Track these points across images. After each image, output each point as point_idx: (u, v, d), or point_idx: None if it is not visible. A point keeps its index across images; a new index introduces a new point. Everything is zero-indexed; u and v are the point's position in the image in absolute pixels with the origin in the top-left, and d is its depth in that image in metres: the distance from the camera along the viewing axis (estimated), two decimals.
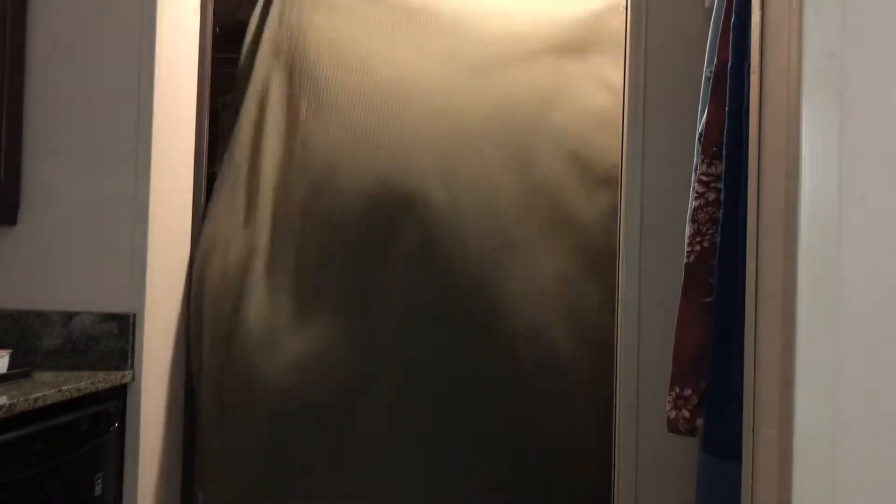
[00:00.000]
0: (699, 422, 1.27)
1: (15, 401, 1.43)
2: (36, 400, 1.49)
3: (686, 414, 1.28)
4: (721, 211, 1.16)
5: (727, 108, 1.15)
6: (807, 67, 0.79)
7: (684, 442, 1.62)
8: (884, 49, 0.80)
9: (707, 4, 1.75)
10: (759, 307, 0.93)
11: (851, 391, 0.81)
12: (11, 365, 1.71)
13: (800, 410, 0.80)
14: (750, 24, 1.15)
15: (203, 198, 2.23)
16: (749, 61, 1.13)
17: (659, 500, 1.69)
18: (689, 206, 1.41)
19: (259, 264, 2.13)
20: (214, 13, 2.30)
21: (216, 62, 2.34)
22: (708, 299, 1.24)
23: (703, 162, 1.27)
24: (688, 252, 1.30)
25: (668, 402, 1.30)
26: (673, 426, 1.30)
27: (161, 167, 1.94)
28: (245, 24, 2.45)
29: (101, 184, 1.90)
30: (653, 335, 1.75)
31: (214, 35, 2.33)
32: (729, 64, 1.16)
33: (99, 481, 1.71)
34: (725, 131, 1.15)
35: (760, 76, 0.92)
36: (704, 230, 1.26)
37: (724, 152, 1.15)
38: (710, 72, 1.31)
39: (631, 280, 1.82)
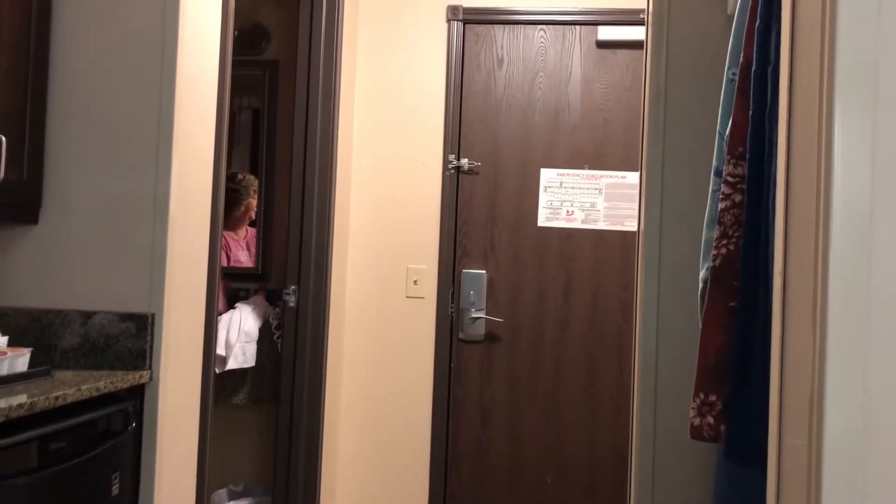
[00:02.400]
0: (723, 428, 1.26)
1: (35, 399, 1.44)
2: (56, 399, 1.50)
3: (710, 420, 1.27)
4: (744, 214, 1.15)
5: (750, 112, 1.15)
6: (840, 71, 0.78)
7: (702, 447, 1.61)
8: None
9: (729, 10, 1.75)
10: (787, 313, 0.92)
11: (883, 399, 0.80)
12: (31, 364, 1.72)
13: (830, 420, 0.79)
14: (773, 28, 1.15)
15: (221, 199, 2.24)
16: (773, 65, 1.13)
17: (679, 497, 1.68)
18: (709, 208, 1.40)
19: None
20: (235, 16, 2.31)
21: (234, 64, 2.36)
22: (733, 303, 1.23)
23: (728, 162, 1.26)
24: (714, 255, 1.29)
25: (693, 408, 1.29)
26: (697, 433, 1.29)
27: (181, 168, 1.95)
28: (263, 28, 2.44)
29: (122, 183, 1.91)
30: (671, 338, 1.74)
31: (234, 37, 2.34)
32: (753, 67, 1.16)
33: (116, 481, 1.71)
34: (749, 134, 1.14)
35: (790, 79, 0.92)
36: (731, 232, 1.25)
37: (748, 152, 1.15)
38: (734, 73, 1.30)
39: (650, 282, 1.82)
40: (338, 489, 3.51)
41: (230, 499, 3.38)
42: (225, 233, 3.50)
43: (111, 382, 1.70)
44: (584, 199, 3.40)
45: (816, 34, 0.82)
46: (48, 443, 1.50)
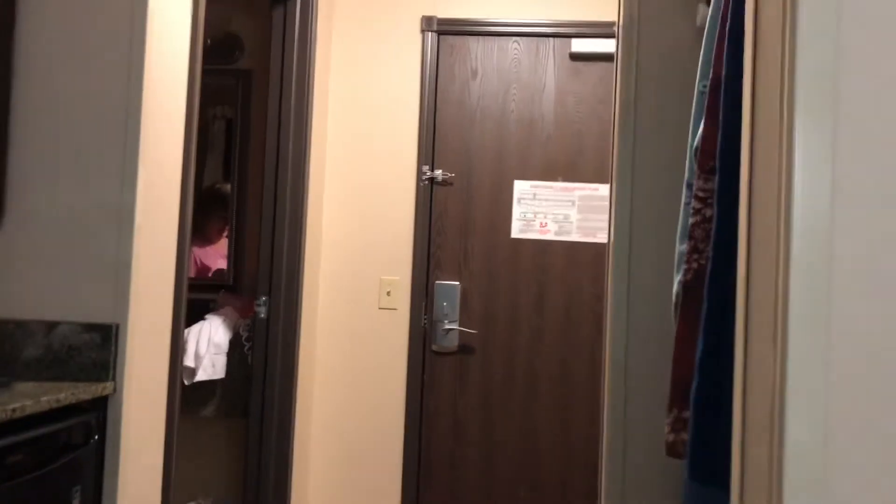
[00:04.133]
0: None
1: None
2: (14, 410, 1.46)
3: (685, 437, 1.26)
4: (714, 225, 1.15)
5: (721, 118, 1.14)
6: (800, 82, 0.78)
7: (672, 463, 1.61)
8: (878, 64, 0.80)
9: (699, 23, 1.76)
10: (749, 323, 0.92)
11: (842, 411, 0.80)
12: None
13: (790, 431, 0.79)
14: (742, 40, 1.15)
15: (190, 208, 2.21)
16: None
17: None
18: (680, 221, 1.40)
19: None
20: (206, 24, 2.29)
21: (206, 74, 2.33)
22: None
23: (699, 177, 1.26)
24: (685, 269, 1.29)
25: (667, 424, 1.28)
26: (672, 449, 1.28)
27: (148, 178, 1.93)
28: (237, 37, 2.42)
29: (87, 192, 1.88)
30: (641, 350, 1.74)
31: (206, 47, 2.32)
32: (723, 81, 1.16)
33: (77, 494, 1.68)
34: (719, 143, 1.14)
35: (753, 89, 0.92)
36: (702, 247, 1.25)
37: (717, 165, 1.15)
38: (704, 86, 1.30)
39: (619, 294, 1.82)
40: (309, 501, 3.47)
41: None
42: (201, 246, 3.47)
43: (72, 394, 1.67)
44: (558, 211, 3.41)
45: (777, 46, 0.82)
46: (5, 456, 1.46)
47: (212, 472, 3.49)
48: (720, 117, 1.14)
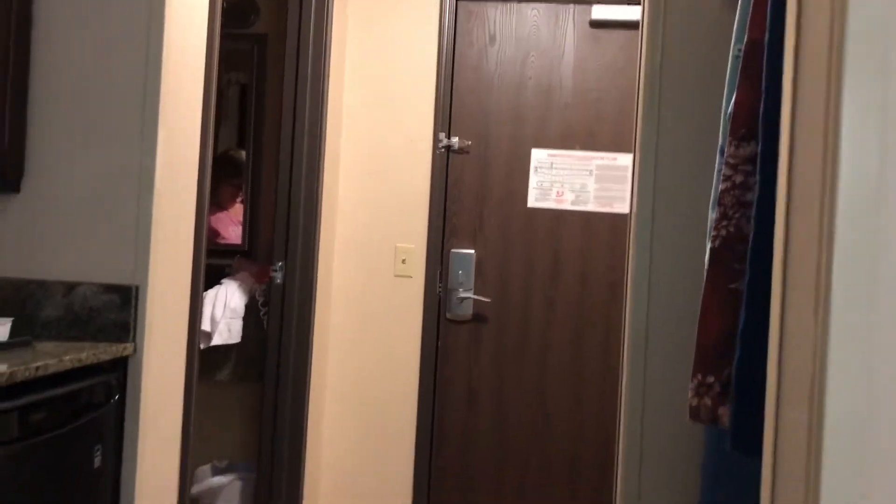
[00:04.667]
0: (721, 410, 1.25)
1: (15, 369, 1.41)
2: (37, 369, 1.47)
3: (708, 402, 1.26)
4: (757, 192, 1.12)
5: (764, 85, 1.12)
6: (850, 42, 0.76)
7: (691, 428, 1.60)
8: None
9: None
10: (788, 292, 0.90)
11: (887, 381, 0.78)
12: (12, 334, 1.68)
13: (831, 393, 0.78)
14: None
15: (208, 173, 2.20)
16: None
17: (663, 488, 1.67)
18: (714, 189, 1.38)
19: None
20: None
21: (221, 38, 2.31)
22: (733, 285, 1.22)
23: (730, 144, 1.24)
24: (713, 236, 1.27)
25: (691, 388, 1.27)
26: (695, 414, 1.27)
27: (167, 140, 1.92)
28: (252, 1, 2.39)
29: (107, 154, 1.88)
30: (662, 320, 1.73)
31: (223, 10, 2.29)
32: (766, 38, 1.13)
33: (98, 453, 1.69)
34: (762, 109, 1.11)
35: (796, 51, 0.90)
36: (731, 213, 1.23)
37: (760, 132, 1.12)
38: (739, 49, 1.27)
39: (641, 264, 1.80)
40: (322, 466, 3.50)
41: (214, 475, 3.36)
42: (214, 212, 3.46)
43: (93, 354, 1.67)
44: (575, 181, 3.39)
45: (825, 3, 0.80)
46: (29, 413, 1.47)
47: (227, 435, 3.52)
48: (762, 81, 1.12)
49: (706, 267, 1.32)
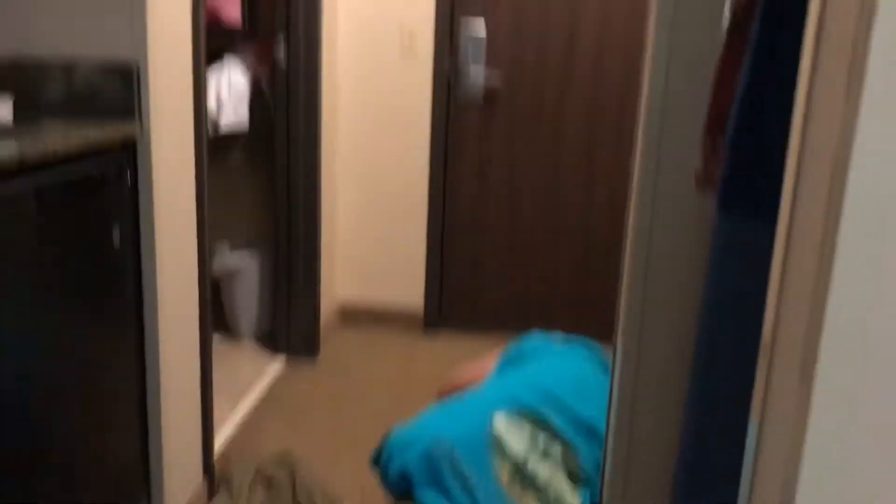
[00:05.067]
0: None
1: (26, 151, 1.39)
2: (47, 151, 1.45)
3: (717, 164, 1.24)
4: None
5: None
6: None
7: (703, 204, 1.60)
8: None
9: None
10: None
11: None
12: (14, 116, 1.65)
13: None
14: None
15: None
16: None
17: (673, 260, 1.70)
18: None
19: None
20: None
21: None
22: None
23: None
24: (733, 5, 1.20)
25: (700, 152, 1.25)
26: (700, 181, 1.26)
27: None
28: None
29: None
30: (681, 90, 1.67)
31: None
32: None
33: (116, 231, 1.72)
34: None
35: None
36: None
37: None
38: None
39: (661, 36, 1.71)
40: (338, 243, 3.60)
41: (232, 253, 3.46)
42: None
43: (102, 133, 1.65)
44: None
45: None
46: (43, 194, 1.48)
47: (242, 219, 3.59)
48: None
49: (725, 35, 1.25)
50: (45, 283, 1.49)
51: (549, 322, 3.39)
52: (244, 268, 3.33)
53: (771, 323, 0.99)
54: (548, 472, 1.95)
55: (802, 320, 0.91)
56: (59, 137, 1.51)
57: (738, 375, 1.60)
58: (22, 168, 1.40)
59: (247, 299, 3.38)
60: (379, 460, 2.08)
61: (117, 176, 1.74)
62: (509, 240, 3.55)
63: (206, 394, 2.15)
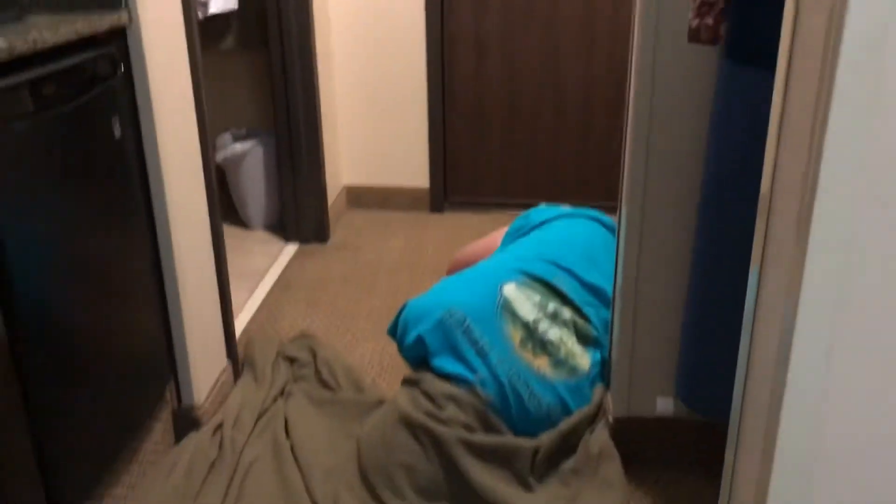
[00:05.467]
0: (722, 29, 1.21)
1: (14, 43, 1.37)
2: (35, 42, 1.43)
3: (709, 21, 1.22)
4: None
5: None
6: None
7: (704, 52, 1.58)
8: None
9: None
10: None
11: None
12: None
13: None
14: None
15: None
16: None
17: (677, 110, 1.68)
18: None
19: None
20: None
21: None
22: None
23: None
24: None
25: (692, 10, 1.23)
26: (694, 35, 1.24)
27: None
28: None
29: None
30: None
31: None
32: None
33: (116, 123, 1.72)
34: None
35: None
36: None
37: None
38: None
39: None
40: (340, 127, 3.57)
41: (235, 141, 3.46)
42: None
43: (88, 24, 1.62)
44: None
45: None
46: (38, 87, 1.47)
47: (241, 104, 3.56)
48: None
49: None
50: (51, 176, 1.51)
51: (553, 195, 3.40)
52: (248, 157, 3.33)
53: (770, 170, 1.01)
54: (558, 334, 2.01)
55: (799, 169, 0.92)
56: (46, 29, 1.49)
57: (741, 232, 1.62)
58: (13, 61, 1.38)
59: (254, 188, 3.40)
60: (395, 332, 2.15)
61: (111, 67, 1.72)
62: (510, 114, 3.52)
63: (221, 278, 2.20)
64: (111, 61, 1.72)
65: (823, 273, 0.88)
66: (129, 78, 1.78)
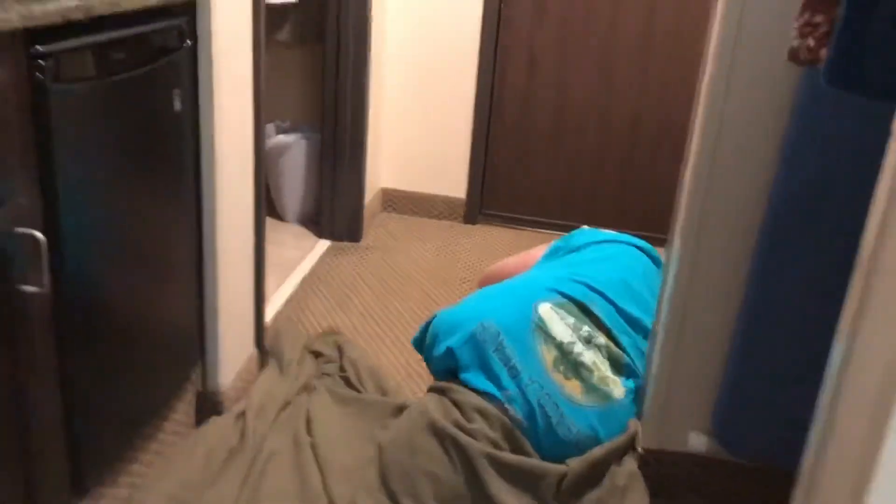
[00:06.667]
0: (823, 52, 1.17)
1: (91, 3, 1.36)
2: (112, 4, 1.42)
3: (811, 43, 1.18)
4: None
5: None
6: None
7: (776, 91, 1.54)
8: None
9: None
10: None
11: None
12: None
13: None
14: None
15: None
16: None
17: (750, 110, 1.63)
18: None
19: None
20: None
21: None
22: None
23: None
24: None
25: (794, 28, 1.19)
26: (794, 55, 1.21)
27: None
28: None
29: None
30: None
31: None
32: None
33: (177, 97, 1.70)
34: None
35: None
36: None
37: None
38: None
39: None
40: (383, 130, 3.56)
41: (278, 133, 3.45)
42: None
43: None
44: None
45: None
46: (109, 51, 1.45)
47: (288, 97, 3.55)
48: None
49: None
50: (108, 141, 1.49)
51: (590, 220, 3.37)
52: (291, 149, 3.32)
53: (878, 220, 0.95)
54: (592, 357, 1.97)
55: None
56: None
57: (805, 283, 1.57)
58: (91, 21, 1.37)
59: (292, 181, 3.38)
60: (422, 343, 2.11)
61: (178, 39, 1.71)
62: (555, 133, 3.49)
63: (258, 267, 2.18)
64: (179, 34, 1.71)
65: None
66: (194, 52, 1.77)
